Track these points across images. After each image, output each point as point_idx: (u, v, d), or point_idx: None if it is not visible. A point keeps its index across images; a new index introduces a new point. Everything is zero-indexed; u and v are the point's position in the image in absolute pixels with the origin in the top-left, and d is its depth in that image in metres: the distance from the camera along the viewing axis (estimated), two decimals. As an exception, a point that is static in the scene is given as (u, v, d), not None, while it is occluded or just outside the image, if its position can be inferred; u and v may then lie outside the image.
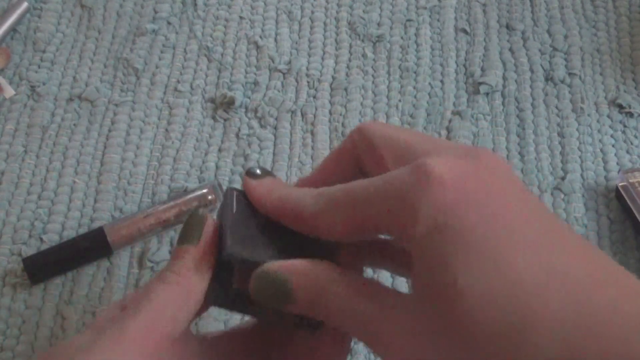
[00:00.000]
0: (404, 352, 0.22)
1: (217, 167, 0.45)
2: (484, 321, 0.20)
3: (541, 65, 0.50)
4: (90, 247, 0.41)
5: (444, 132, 0.47)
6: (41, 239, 0.42)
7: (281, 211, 0.27)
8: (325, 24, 0.52)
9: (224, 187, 0.44)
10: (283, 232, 0.28)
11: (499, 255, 0.21)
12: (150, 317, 0.26)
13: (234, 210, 0.29)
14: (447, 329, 0.21)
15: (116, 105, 0.48)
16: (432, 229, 0.21)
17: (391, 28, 0.51)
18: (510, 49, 0.50)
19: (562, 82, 0.49)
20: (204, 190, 0.43)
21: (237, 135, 0.47)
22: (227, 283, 0.28)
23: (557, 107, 0.48)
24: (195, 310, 0.27)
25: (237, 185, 0.44)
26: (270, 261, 0.26)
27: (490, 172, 0.23)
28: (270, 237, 0.28)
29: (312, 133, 0.47)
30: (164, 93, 0.48)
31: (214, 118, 0.47)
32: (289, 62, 0.49)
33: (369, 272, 0.41)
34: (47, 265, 0.41)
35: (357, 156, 0.28)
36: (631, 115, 0.48)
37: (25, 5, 0.51)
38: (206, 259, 0.28)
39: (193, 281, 0.27)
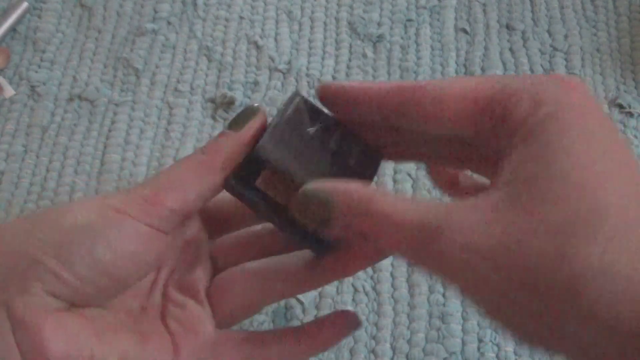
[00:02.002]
0: (473, 240, 0.21)
1: (217, 167, 0.45)
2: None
3: (541, 65, 0.50)
4: None
5: (444, 132, 0.47)
6: (41, 239, 0.42)
7: (397, 96, 0.26)
8: (325, 24, 0.52)
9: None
10: (325, 152, 0.28)
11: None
12: (158, 184, 0.27)
13: (287, 114, 0.28)
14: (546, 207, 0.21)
15: (116, 105, 0.48)
16: (551, 116, 0.22)
17: (391, 28, 0.51)
18: (510, 49, 0.50)
19: (562, 82, 0.49)
20: None
21: (237, 135, 0.47)
22: (252, 180, 0.28)
23: (557, 107, 0.48)
24: (209, 191, 0.28)
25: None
26: (306, 179, 0.26)
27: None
28: (310, 153, 0.28)
29: (312, 133, 0.47)
30: (164, 93, 0.48)
31: (214, 118, 0.47)
32: (289, 62, 0.49)
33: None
34: None
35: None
36: (631, 115, 0.48)
37: (25, 5, 0.51)
38: (240, 148, 0.28)
39: (216, 162, 0.27)
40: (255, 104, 0.29)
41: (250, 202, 0.28)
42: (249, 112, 0.28)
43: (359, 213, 0.24)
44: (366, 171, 0.29)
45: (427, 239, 0.22)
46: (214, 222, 0.32)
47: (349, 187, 0.25)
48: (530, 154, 0.22)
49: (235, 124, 0.28)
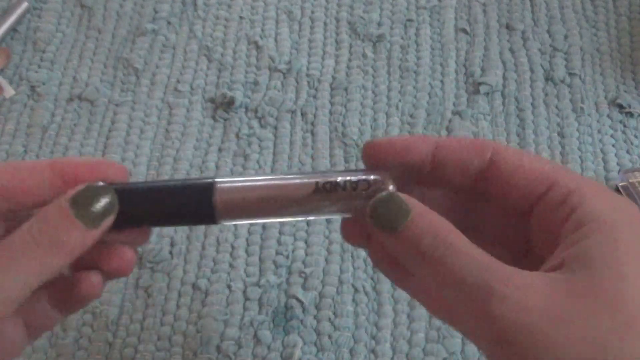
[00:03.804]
0: (527, 305, 0.22)
1: (217, 167, 0.45)
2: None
3: (541, 65, 0.50)
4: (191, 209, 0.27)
5: (444, 132, 0.47)
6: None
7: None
8: (325, 24, 0.52)
9: None
10: None
11: None
12: None
13: None
14: (604, 299, 0.22)
15: (116, 105, 0.48)
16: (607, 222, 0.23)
17: (391, 28, 0.51)
18: (510, 49, 0.50)
19: (562, 82, 0.49)
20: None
21: (237, 135, 0.47)
22: None
23: (557, 107, 0.48)
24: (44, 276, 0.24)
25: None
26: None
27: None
28: None
29: (312, 133, 0.47)
30: (164, 93, 0.48)
31: (214, 118, 0.47)
32: (289, 62, 0.49)
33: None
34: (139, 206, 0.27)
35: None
36: (631, 115, 0.48)
37: (25, 5, 0.51)
38: (86, 247, 0.25)
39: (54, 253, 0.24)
40: (100, 184, 0.25)
41: None
42: (105, 209, 0.25)
43: (426, 243, 0.24)
44: None
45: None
46: None
47: (434, 217, 0.25)
48: (603, 253, 0.23)
49: (87, 217, 0.24)
